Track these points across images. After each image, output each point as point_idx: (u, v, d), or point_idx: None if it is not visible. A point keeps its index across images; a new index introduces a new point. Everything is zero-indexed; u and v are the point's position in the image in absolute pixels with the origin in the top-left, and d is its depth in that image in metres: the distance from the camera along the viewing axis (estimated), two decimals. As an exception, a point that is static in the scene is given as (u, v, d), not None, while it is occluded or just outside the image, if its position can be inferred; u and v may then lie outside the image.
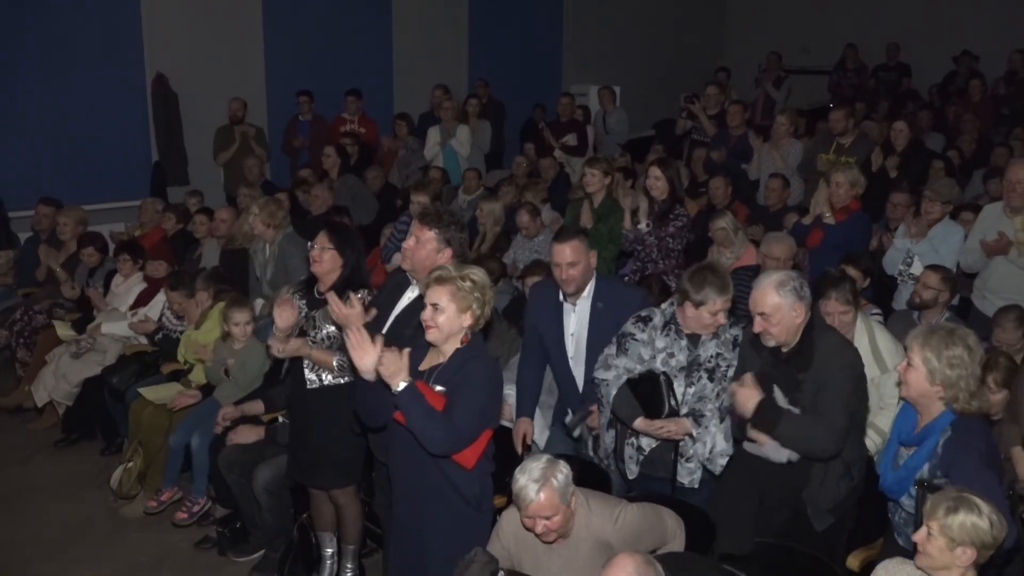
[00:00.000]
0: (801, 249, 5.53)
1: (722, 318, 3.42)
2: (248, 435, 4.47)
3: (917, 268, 5.11)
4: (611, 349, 3.59)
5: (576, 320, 3.86)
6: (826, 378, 3.14)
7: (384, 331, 3.53)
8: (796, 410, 3.20)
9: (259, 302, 5.51)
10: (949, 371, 2.82)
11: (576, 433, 3.79)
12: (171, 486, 4.80)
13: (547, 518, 2.87)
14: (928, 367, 2.84)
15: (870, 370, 3.69)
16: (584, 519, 2.97)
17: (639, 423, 3.47)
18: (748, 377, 3.22)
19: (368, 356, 2.92)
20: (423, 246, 3.51)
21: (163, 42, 8.71)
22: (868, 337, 3.85)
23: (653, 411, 3.43)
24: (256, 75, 9.42)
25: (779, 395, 3.22)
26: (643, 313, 3.58)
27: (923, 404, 2.91)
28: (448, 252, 3.51)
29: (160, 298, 5.64)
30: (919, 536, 2.49)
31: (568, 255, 3.76)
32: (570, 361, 3.89)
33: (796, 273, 3.30)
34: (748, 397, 3.20)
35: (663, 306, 3.57)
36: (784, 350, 3.24)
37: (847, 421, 3.15)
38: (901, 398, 3.04)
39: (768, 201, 6.43)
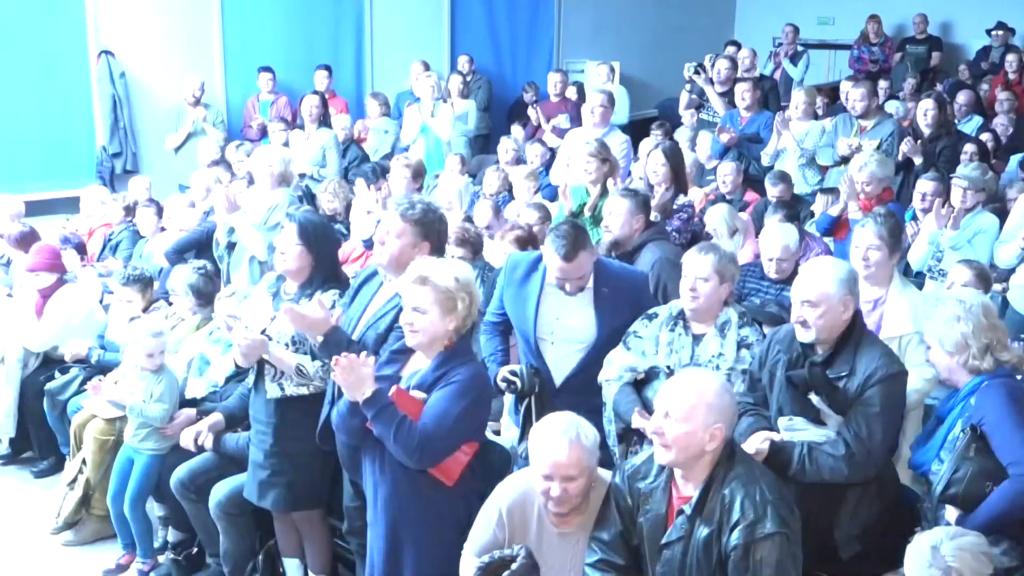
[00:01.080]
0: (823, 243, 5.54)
1: (701, 286, 3.46)
2: (191, 436, 4.32)
3: (948, 263, 5.14)
4: (617, 350, 3.66)
5: (563, 303, 3.85)
6: (866, 390, 3.14)
7: (354, 337, 3.53)
8: (836, 417, 3.21)
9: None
10: (951, 333, 3.00)
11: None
12: (130, 550, 4.67)
13: (570, 479, 2.80)
14: (936, 338, 3.03)
15: (903, 327, 3.78)
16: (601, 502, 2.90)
17: (635, 417, 3.46)
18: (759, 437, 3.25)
19: (363, 381, 2.92)
20: (398, 240, 3.50)
21: (108, 14, 8.64)
22: (906, 293, 3.90)
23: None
24: (212, 50, 9.37)
25: (816, 400, 3.23)
26: (652, 311, 3.66)
27: (955, 381, 3.06)
28: (426, 246, 3.51)
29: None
30: None
31: (574, 273, 3.76)
32: (544, 346, 3.86)
33: (850, 265, 3.35)
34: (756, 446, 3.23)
35: (673, 303, 3.62)
36: (819, 352, 3.26)
37: (886, 441, 3.16)
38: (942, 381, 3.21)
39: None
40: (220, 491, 4.22)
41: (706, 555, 2.60)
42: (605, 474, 2.99)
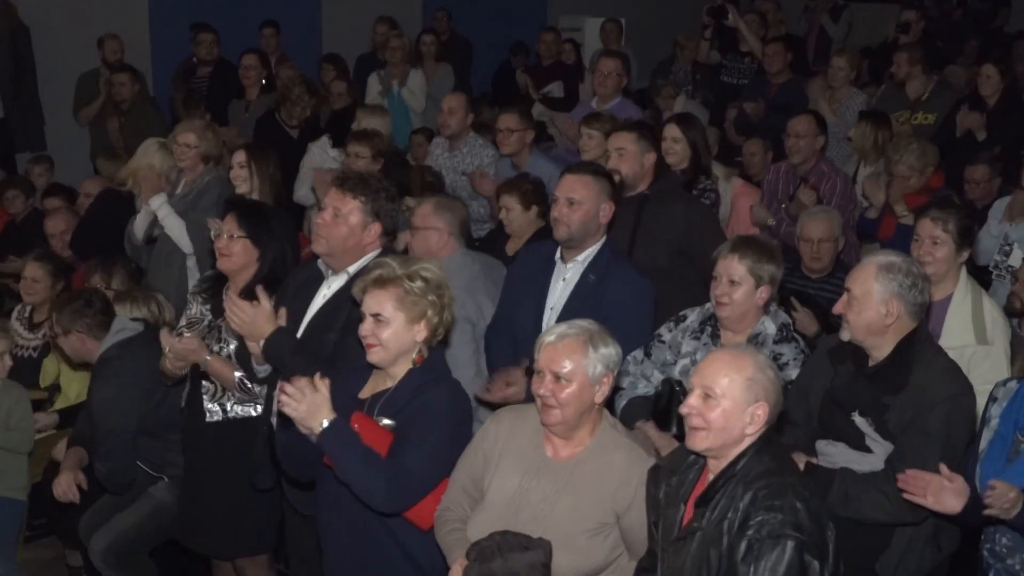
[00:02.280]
0: (871, 246, 5.55)
1: (732, 291, 3.49)
2: (70, 483, 4.26)
3: (1017, 259, 5.18)
4: (638, 353, 3.71)
5: (560, 291, 3.89)
6: (923, 412, 3.16)
7: None
8: (883, 443, 3.22)
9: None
10: None
11: None
12: None
13: (559, 380, 2.84)
14: None
15: (963, 337, 3.78)
16: (610, 444, 2.92)
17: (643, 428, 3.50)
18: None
19: (318, 409, 2.90)
20: (344, 220, 3.50)
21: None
22: (972, 298, 3.92)
23: (663, 428, 3.51)
24: (136, 2, 9.33)
25: (860, 421, 3.26)
26: (682, 312, 3.71)
27: None
28: (376, 227, 3.53)
29: None
30: None
31: (574, 188, 3.82)
32: None
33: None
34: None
35: (707, 305, 3.66)
36: (871, 363, 3.29)
37: None
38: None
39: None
40: (98, 541, 4.16)
41: (711, 552, 2.62)
42: (624, 439, 3.00)
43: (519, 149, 5.89)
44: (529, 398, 3.15)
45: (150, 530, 4.17)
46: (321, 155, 6.46)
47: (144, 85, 8.63)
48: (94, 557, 4.18)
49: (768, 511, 2.56)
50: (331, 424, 2.89)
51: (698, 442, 2.67)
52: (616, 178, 4.46)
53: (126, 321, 4.39)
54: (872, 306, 3.21)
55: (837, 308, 3.29)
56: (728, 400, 2.63)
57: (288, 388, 2.91)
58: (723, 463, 2.68)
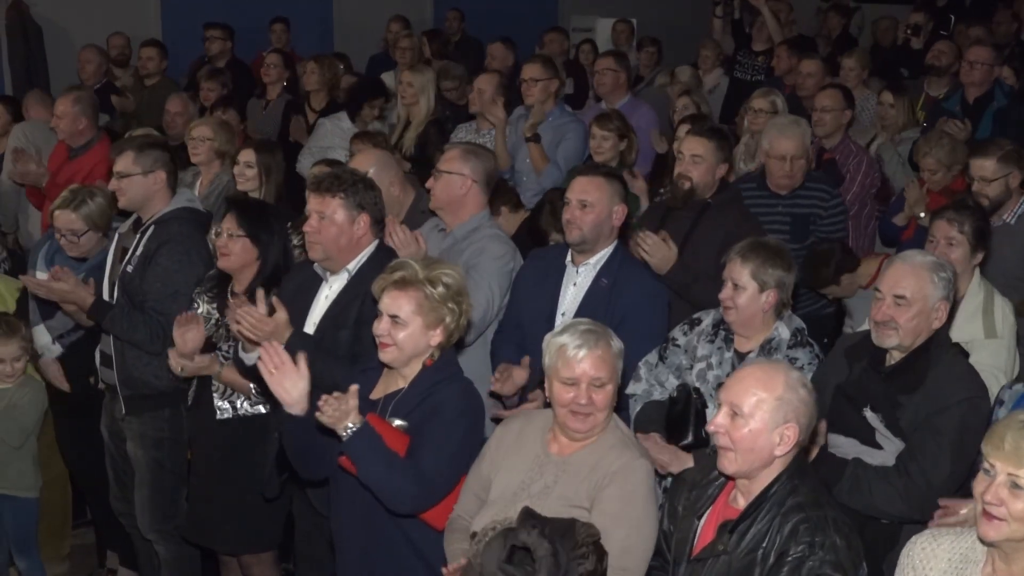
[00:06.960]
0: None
1: (736, 295, 3.48)
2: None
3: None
4: (652, 357, 3.71)
5: (572, 296, 3.88)
6: (936, 410, 3.17)
7: None
8: (894, 440, 3.22)
9: None
10: None
11: None
12: None
13: (597, 386, 2.86)
14: None
15: (970, 330, 3.79)
16: (610, 443, 2.93)
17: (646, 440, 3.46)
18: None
19: (291, 383, 2.91)
20: (331, 221, 3.52)
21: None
22: (984, 295, 3.94)
23: (677, 436, 3.48)
24: (147, 0, 9.36)
25: (872, 417, 3.26)
26: (696, 315, 3.71)
27: None
28: (364, 218, 3.56)
29: None
30: (991, 493, 2.29)
31: (587, 190, 3.81)
32: None
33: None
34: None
35: (721, 308, 3.65)
36: (888, 363, 3.29)
37: (954, 477, 3.15)
38: None
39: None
40: (143, 526, 4.18)
41: None
42: (625, 440, 2.99)
43: (544, 98, 5.85)
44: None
45: (165, 482, 4.15)
46: (334, 130, 6.38)
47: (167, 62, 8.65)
48: (153, 539, 4.21)
49: (810, 547, 2.54)
50: (358, 428, 2.89)
51: (727, 465, 2.66)
52: (686, 184, 4.42)
53: (193, 195, 4.37)
54: (926, 310, 3.22)
55: (881, 315, 3.24)
56: (756, 420, 2.60)
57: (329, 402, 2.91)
58: (755, 487, 2.65)
